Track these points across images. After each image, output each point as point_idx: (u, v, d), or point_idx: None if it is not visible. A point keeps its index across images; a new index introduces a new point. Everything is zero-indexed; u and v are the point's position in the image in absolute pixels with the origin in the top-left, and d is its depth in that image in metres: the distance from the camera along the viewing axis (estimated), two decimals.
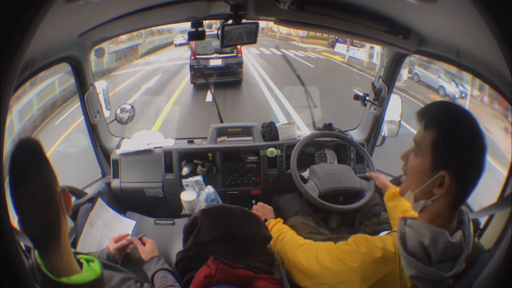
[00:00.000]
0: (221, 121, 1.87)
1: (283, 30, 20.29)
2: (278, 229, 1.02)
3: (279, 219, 1.10)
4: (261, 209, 1.22)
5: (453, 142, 0.65)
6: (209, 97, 6.70)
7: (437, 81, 7.10)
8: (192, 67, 7.11)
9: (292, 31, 18.72)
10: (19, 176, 0.57)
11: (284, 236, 0.97)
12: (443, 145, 0.65)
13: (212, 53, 6.98)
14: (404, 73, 7.75)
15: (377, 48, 9.26)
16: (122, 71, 10.81)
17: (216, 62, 7.13)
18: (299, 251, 0.87)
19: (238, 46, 6.86)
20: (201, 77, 7.16)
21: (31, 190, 0.59)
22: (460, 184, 0.66)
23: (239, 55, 7.31)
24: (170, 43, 17.98)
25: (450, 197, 0.67)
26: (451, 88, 6.49)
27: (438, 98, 6.51)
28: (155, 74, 9.53)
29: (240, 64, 7.36)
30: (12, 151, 0.57)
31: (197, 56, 7.04)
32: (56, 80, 5.40)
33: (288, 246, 0.92)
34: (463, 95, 6.14)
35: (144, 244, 1.10)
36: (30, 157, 0.60)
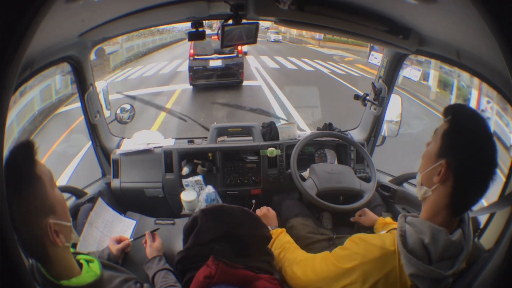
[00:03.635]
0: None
1: (293, 31, 17.28)
2: (280, 245, 1.02)
3: (282, 229, 1.10)
4: (264, 217, 1.19)
5: (458, 136, 0.69)
6: None
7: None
8: (191, 68, 6.80)
9: (304, 32, 14.91)
10: (11, 189, 0.55)
11: (285, 253, 0.98)
12: (450, 136, 0.70)
13: (212, 54, 6.68)
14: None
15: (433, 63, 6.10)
16: (64, 108, 5.18)
17: (215, 62, 6.77)
18: (297, 267, 0.89)
19: (239, 47, 6.66)
20: (200, 78, 6.83)
21: (22, 205, 0.58)
22: (456, 177, 0.67)
23: (240, 55, 6.99)
24: (159, 47, 14.35)
25: (447, 190, 0.68)
26: (509, 140, 5.40)
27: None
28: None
29: (240, 65, 7.05)
30: (5, 162, 0.55)
31: (196, 57, 6.70)
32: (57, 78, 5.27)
33: (287, 263, 0.94)
34: None
35: (154, 241, 1.11)
36: (19, 173, 0.58)
